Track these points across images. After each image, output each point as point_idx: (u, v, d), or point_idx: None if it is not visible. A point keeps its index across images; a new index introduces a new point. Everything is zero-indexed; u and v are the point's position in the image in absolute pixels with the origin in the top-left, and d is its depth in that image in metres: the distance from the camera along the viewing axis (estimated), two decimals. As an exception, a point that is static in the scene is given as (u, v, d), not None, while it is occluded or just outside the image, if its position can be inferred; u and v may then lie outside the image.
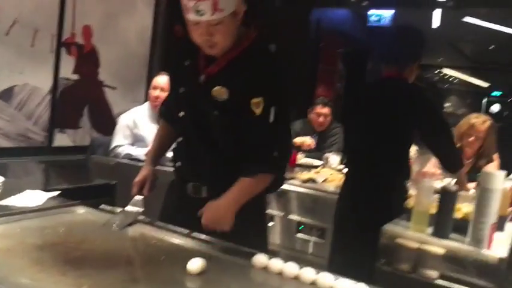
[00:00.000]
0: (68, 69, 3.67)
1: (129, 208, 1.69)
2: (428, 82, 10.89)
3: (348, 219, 2.34)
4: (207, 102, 1.57)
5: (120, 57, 4.08)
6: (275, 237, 2.95)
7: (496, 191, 1.54)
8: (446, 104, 11.52)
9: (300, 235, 2.93)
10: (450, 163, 2.33)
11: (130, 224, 1.59)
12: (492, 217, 1.55)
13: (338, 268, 1.31)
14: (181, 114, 1.67)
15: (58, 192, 1.82)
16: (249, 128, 1.55)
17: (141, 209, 1.68)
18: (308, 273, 1.25)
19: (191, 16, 1.48)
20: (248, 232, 1.63)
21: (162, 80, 3.22)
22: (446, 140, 2.30)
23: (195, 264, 1.24)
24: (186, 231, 1.54)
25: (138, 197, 1.73)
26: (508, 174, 3.12)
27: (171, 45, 4.26)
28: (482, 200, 1.53)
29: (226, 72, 1.57)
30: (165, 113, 1.88)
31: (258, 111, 1.53)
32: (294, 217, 2.95)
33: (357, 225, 2.22)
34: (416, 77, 2.47)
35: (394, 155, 2.31)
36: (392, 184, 2.25)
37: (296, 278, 1.26)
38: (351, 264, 1.64)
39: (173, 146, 1.84)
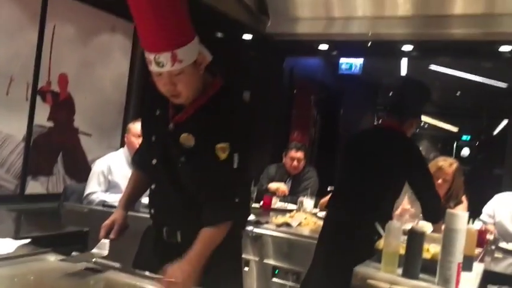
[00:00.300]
0: (42, 117, 3.68)
1: (94, 251, 1.70)
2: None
3: (326, 261, 2.37)
4: (175, 149, 1.64)
5: (95, 104, 4.11)
6: (251, 281, 2.94)
7: (460, 231, 1.59)
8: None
9: (275, 279, 2.93)
10: (433, 213, 2.43)
11: (95, 270, 1.57)
12: (458, 257, 1.60)
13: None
14: (154, 161, 1.73)
15: (28, 240, 1.79)
16: (213, 173, 1.60)
17: (105, 252, 1.69)
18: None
19: (153, 68, 1.54)
20: (223, 277, 1.66)
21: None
22: (433, 192, 2.39)
23: None
24: (158, 276, 1.53)
25: (105, 240, 1.74)
26: (477, 216, 3.22)
27: (146, 92, 4.33)
28: (447, 240, 1.59)
29: (194, 119, 1.63)
30: (138, 161, 1.94)
31: (223, 156, 1.58)
32: (270, 261, 2.95)
33: (335, 267, 2.24)
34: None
35: (380, 203, 2.37)
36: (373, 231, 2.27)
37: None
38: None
39: (147, 192, 1.88)
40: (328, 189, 3.30)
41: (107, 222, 1.81)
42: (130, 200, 1.93)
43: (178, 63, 1.51)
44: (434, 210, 2.42)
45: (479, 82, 7.06)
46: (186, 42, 1.52)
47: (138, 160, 1.94)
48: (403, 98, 2.47)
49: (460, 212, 1.65)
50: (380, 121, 2.57)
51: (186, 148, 1.62)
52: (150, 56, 1.52)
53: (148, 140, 1.78)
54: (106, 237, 1.76)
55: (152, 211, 1.81)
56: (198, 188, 1.64)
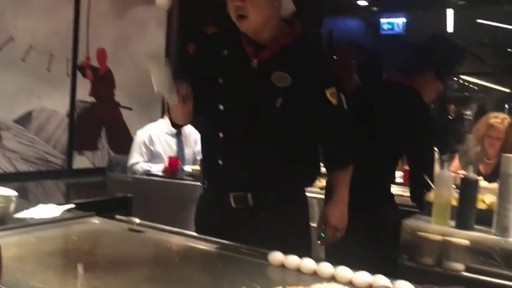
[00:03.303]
0: (84, 92, 3.73)
1: None
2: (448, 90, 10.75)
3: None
4: (264, 89, 1.47)
5: (134, 78, 4.13)
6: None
7: (518, 176, 1.48)
8: (468, 112, 11.34)
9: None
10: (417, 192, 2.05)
11: (138, 231, 1.53)
12: (517, 204, 1.48)
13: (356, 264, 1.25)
14: (221, 107, 1.51)
15: (73, 205, 1.81)
16: (328, 118, 1.53)
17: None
18: (326, 268, 1.20)
19: None
20: (293, 237, 1.51)
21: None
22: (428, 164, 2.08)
23: None
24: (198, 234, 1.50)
25: None
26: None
27: (184, 63, 4.30)
28: (504, 185, 1.47)
29: (284, 57, 1.49)
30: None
31: (334, 101, 1.50)
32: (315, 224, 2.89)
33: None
34: (436, 93, 2.30)
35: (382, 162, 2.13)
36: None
37: (314, 273, 1.21)
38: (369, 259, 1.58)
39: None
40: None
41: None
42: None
43: None
44: (419, 185, 2.01)
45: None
46: None
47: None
48: (417, 49, 2.28)
49: (518, 156, 1.52)
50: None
51: (282, 88, 1.46)
52: None
53: (212, 83, 1.53)
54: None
55: (220, 162, 1.53)
56: (300, 133, 1.51)
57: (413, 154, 2.08)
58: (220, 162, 1.53)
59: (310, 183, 1.65)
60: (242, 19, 1.46)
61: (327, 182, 1.92)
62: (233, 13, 1.47)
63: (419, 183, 1.94)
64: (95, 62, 3.79)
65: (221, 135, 1.52)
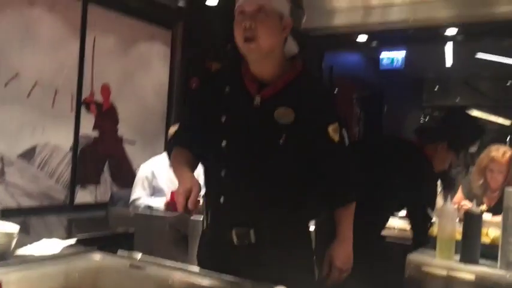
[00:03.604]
0: (88, 127, 3.76)
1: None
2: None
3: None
4: (267, 125, 1.48)
5: (138, 113, 4.18)
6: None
7: (522, 210, 1.47)
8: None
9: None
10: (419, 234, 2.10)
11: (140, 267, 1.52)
12: (521, 238, 1.47)
13: None
14: (224, 145, 1.51)
15: (74, 240, 1.81)
16: (329, 155, 1.53)
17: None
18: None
19: (240, 1, 1.48)
20: (298, 268, 1.53)
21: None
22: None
23: None
24: (201, 269, 1.49)
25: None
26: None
27: (205, 75, 4.32)
28: (507, 219, 1.47)
29: (286, 94, 1.50)
30: (183, 140, 1.67)
31: (336, 137, 1.51)
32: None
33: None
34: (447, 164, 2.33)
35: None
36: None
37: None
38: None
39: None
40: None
41: (183, 189, 1.42)
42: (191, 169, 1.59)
43: None
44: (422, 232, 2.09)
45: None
46: None
47: (180, 139, 1.67)
48: (438, 120, 2.33)
49: (521, 189, 1.52)
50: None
51: (284, 124, 1.46)
52: None
53: (214, 121, 1.54)
54: (186, 209, 1.41)
55: (222, 200, 1.52)
56: (302, 170, 1.51)
57: (413, 211, 2.14)
58: (222, 199, 1.52)
59: (313, 219, 1.64)
60: (249, 42, 1.46)
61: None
62: (241, 35, 1.48)
63: (418, 238, 2.01)
64: (99, 97, 3.83)
65: (223, 172, 1.52)
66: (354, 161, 1.61)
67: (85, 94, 3.73)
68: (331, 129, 1.50)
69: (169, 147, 1.70)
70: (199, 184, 1.44)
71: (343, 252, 1.58)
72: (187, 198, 1.39)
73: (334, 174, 1.57)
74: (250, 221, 1.49)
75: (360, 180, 1.60)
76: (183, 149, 1.64)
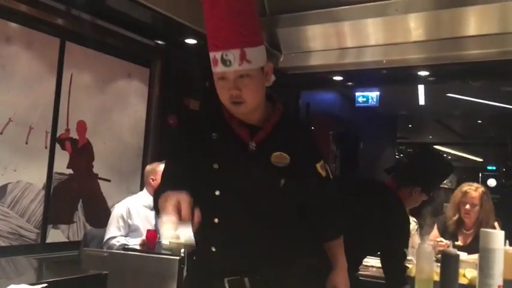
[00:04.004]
0: (62, 164, 3.69)
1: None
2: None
3: None
4: (266, 170, 1.47)
5: (114, 150, 4.13)
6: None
7: (497, 251, 1.49)
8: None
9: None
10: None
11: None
12: (497, 279, 1.49)
13: None
14: (218, 193, 1.48)
15: (45, 284, 1.74)
16: (320, 191, 1.59)
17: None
18: None
19: (219, 68, 1.43)
20: None
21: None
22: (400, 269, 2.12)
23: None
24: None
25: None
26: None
27: (188, 122, 4.31)
28: (484, 261, 1.48)
29: (277, 136, 1.51)
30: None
31: (324, 173, 1.57)
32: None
33: None
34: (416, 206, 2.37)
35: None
36: None
37: None
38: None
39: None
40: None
41: (170, 203, 1.29)
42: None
43: (247, 63, 1.41)
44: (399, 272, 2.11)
45: (501, 107, 6.94)
46: (257, 44, 1.44)
47: (169, 189, 1.49)
48: (406, 162, 2.38)
49: (495, 230, 1.55)
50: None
51: (282, 168, 1.47)
52: (217, 55, 1.42)
53: (205, 169, 1.50)
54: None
55: (213, 249, 1.50)
56: (299, 210, 1.55)
57: (385, 255, 2.18)
58: (214, 249, 1.49)
59: (306, 259, 1.64)
60: (238, 105, 1.46)
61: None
62: (227, 99, 1.46)
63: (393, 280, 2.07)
64: (74, 134, 3.79)
65: (216, 220, 1.48)
66: (339, 194, 1.68)
67: (60, 131, 3.68)
68: (319, 165, 1.56)
69: (155, 198, 1.55)
70: (188, 197, 1.33)
71: (344, 278, 1.64)
72: (179, 212, 1.28)
73: (327, 207, 1.62)
74: (244, 269, 1.47)
75: (346, 213, 1.67)
76: None
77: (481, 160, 12.11)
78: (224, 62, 1.41)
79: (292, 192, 1.50)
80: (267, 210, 1.47)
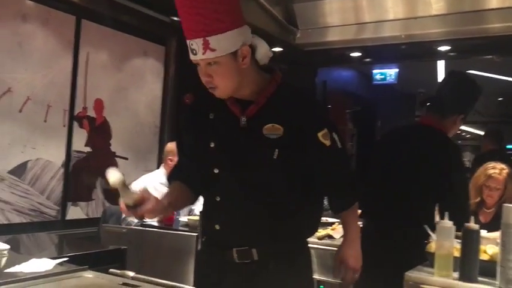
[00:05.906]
0: (80, 142, 3.73)
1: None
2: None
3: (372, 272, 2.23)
4: (259, 144, 1.47)
5: (131, 128, 4.15)
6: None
7: (520, 226, 1.46)
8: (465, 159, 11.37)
9: (320, 295, 2.79)
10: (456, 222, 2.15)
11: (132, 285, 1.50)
12: (520, 255, 1.46)
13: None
14: (216, 170, 1.52)
15: (66, 258, 1.76)
16: (323, 160, 1.53)
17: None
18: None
19: (190, 56, 1.46)
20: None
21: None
22: (464, 201, 2.21)
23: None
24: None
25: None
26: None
27: (180, 113, 4.34)
28: (506, 236, 1.45)
29: (271, 108, 1.49)
30: (179, 175, 1.68)
31: (327, 142, 1.50)
32: (314, 276, 2.82)
33: (383, 278, 2.10)
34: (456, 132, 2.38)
35: (423, 204, 2.14)
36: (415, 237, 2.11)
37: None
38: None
39: (185, 211, 1.70)
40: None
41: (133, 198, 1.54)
42: (175, 202, 1.64)
43: (210, 51, 1.40)
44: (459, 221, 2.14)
45: (522, 84, 6.77)
46: (222, 30, 1.40)
47: (178, 175, 1.68)
48: (445, 91, 2.30)
49: (518, 205, 1.51)
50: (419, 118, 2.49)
51: (275, 139, 1.45)
52: (188, 43, 1.45)
53: (203, 149, 1.55)
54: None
55: (217, 227, 1.54)
56: (300, 181, 1.51)
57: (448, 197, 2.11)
58: (218, 227, 1.54)
59: (312, 233, 1.63)
60: (212, 89, 1.47)
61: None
62: (206, 86, 1.49)
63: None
64: (91, 113, 3.81)
65: (218, 198, 1.54)
66: (349, 163, 1.65)
67: (78, 109, 3.70)
68: (320, 135, 1.50)
69: (169, 181, 1.71)
70: (157, 201, 1.54)
71: (354, 252, 1.61)
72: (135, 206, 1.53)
73: (332, 177, 1.58)
74: (251, 240, 1.50)
75: (358, 180, 1.64)
76: (181, 184, 1.64)
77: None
78: (192, 50, 1.44)
79: (289, 164, 1.47)
80: (264, 184, 1.47)
